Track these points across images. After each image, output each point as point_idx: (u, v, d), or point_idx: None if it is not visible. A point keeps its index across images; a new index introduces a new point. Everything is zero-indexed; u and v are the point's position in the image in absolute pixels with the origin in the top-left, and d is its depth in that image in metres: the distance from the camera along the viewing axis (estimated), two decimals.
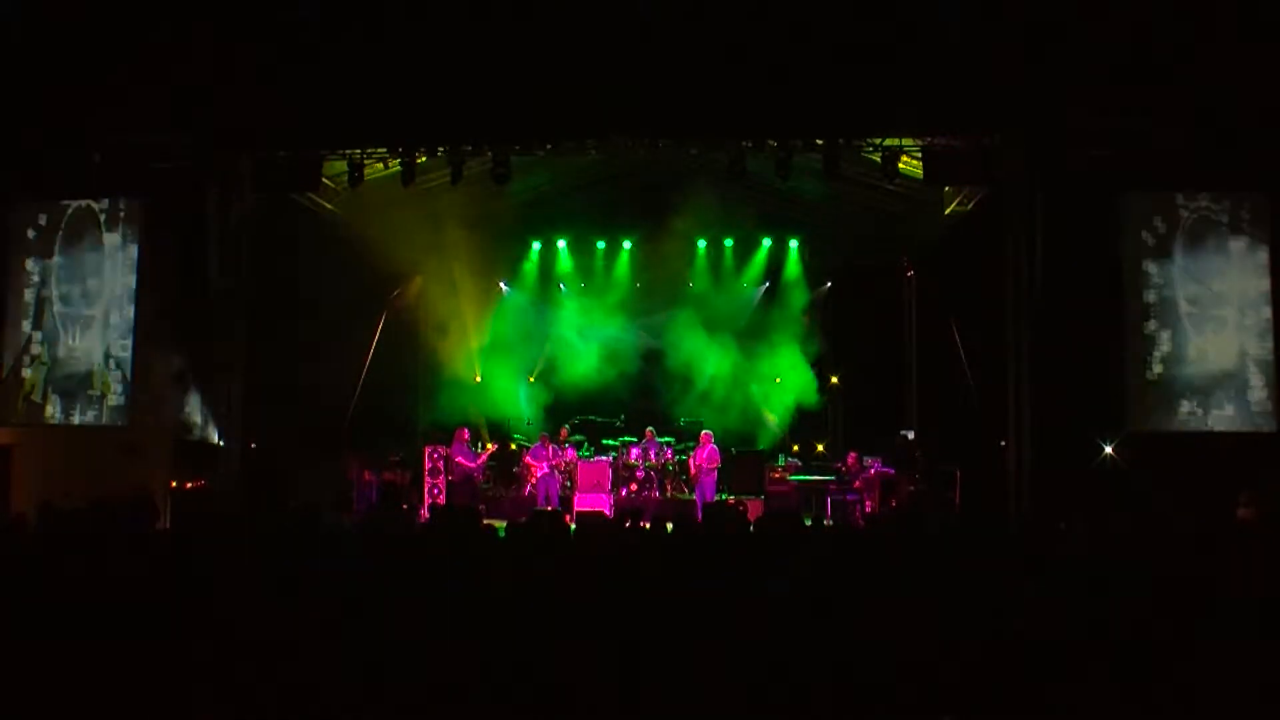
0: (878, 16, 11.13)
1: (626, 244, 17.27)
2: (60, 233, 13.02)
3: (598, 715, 4.02)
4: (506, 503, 14.75)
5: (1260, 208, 11.82)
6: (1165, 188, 11.99)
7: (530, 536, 6.57)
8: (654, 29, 11.23)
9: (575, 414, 16.71)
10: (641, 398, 17.05)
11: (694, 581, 5.05)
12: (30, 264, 13.08)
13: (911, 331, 17.13)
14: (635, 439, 15.91)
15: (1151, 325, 11.82)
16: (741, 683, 4.04)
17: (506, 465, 16.16)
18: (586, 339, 17.00)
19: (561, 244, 17.53)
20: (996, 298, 12.42)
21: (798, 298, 17.11)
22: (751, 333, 16.98)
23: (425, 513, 12.91)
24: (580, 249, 17.60)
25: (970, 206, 13.76)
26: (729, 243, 17.21)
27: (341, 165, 12.95)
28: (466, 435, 14.90)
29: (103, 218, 12.96)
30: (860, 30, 11.14)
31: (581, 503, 14.14)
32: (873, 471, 14.22)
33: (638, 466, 15.52)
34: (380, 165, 13.30)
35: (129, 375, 12.68)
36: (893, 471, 14.08)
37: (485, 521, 8.61)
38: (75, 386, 12.86)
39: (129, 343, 12.70)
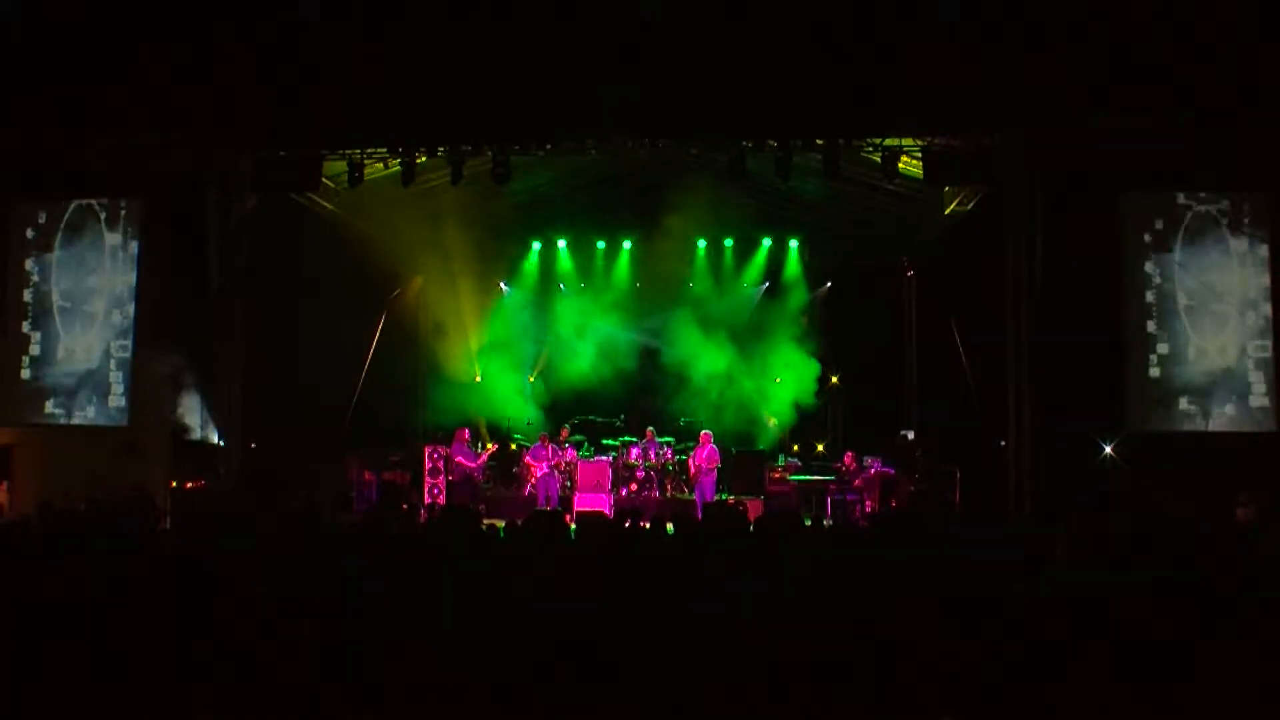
0: (878, 16, 11.12)
1: (626, 244, 17.27)
2: (60, 232, 13.02)
3: (598, 715, 4.02)
4: (506, 503, 14.74)
5: (1260, 207, 11.82)
6: (1165, 187, 11.99)
7: (530, 536, 6.57)
8: (654, 29, 11.22)
9: (575, 414, 16.72)
10: (641, 398, 17.05)
11: (693, 581, 5.05)
12: (30, 264, 13.08)
13: (911, 331, 17.14)
14: (635, 439, 15.91)
15: (1151, 325, 11.82)
16: (741, 683, 4.04)
17: (506, 465, 16.16)
18: (586, 339, 17.00)
19: (561, 244, 17.53)
20: (996, 298, 12.43)
21: (797, 298, 17.11)
22: (751, 333, 16.98)
23: (424, 513, 12.91)
24: (580, 249, 17.60)
25: (970, 206, 13.76)
26: (729, 243, 17.22)
27: (341, 165, 12.95)
28: (467, 435, 14.90)
29: (103, 217, 12.96)
30: (860, 30, 11.14)
31: (581, 503, 14.13)
32: (873, 471, 14.22)
33: (638, 466, 15.51)
34: (380, 165, 13.30)
35: (129, 375, 12.68)
36: (893, 471, 14.09)
37: (486, 521, 8.61)
38: (75, 386, 12.86)
39: (129, 342, 12.71)
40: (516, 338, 17.53)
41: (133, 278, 12.78)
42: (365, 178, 12.99)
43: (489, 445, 15.63)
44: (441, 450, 14.71)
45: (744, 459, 15.47)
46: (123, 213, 12.91)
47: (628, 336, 17.10)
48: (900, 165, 12.37)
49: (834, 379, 17.09)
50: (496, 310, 17.68)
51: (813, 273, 17.29)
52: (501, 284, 17.85)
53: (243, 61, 11.65)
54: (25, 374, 12.99)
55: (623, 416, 16.79)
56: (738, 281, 17.47)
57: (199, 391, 12.83)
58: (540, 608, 4.59)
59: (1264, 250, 11.73)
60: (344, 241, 14.34)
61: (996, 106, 11.43)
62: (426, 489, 14.59)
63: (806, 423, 16.81)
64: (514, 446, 16.21)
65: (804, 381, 16.61)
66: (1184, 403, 11.69)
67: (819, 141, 12.22)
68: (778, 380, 16.72)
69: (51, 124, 12.17)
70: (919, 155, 12.26)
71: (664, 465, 15.61)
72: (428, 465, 14.64)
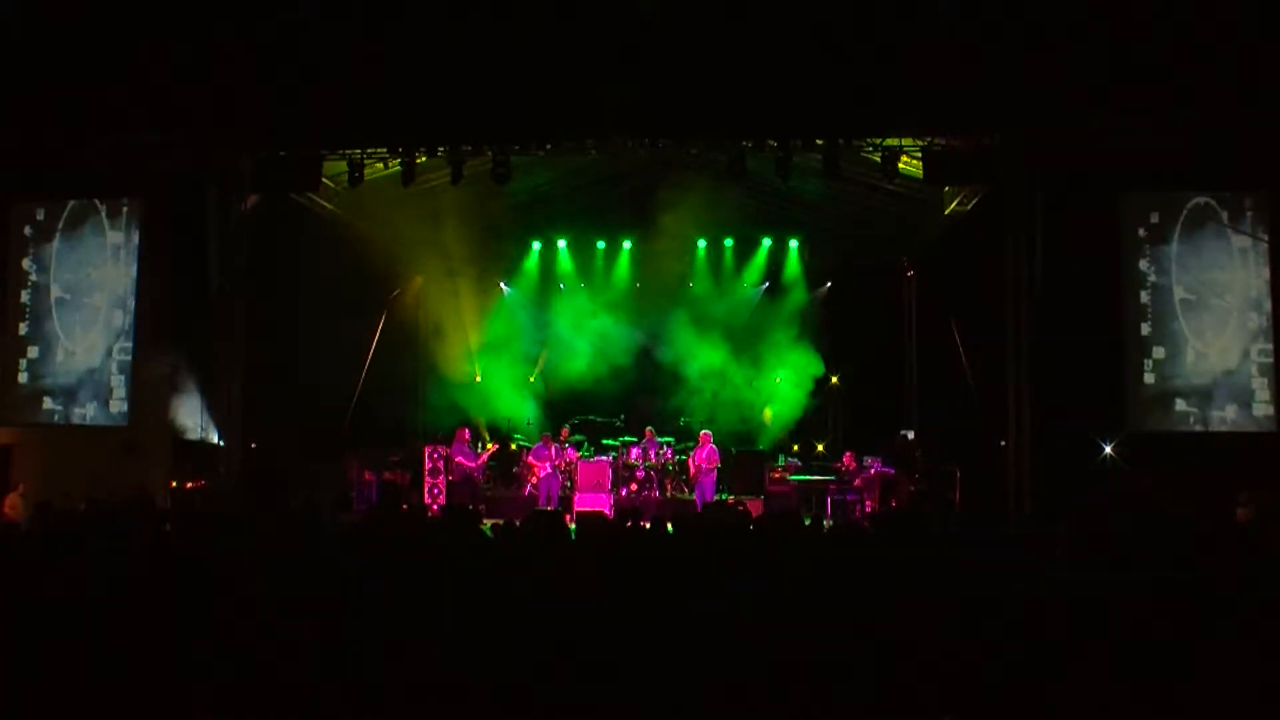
0: (878, 16, 11.12)
1: (626, 244, 17.27)
2: (59, 233, 13.02)
3: (597, 715, 4.02)
4: (506, 503, 14.74)
5: (1260, 206, 11.82)
6: (1164, 187, 11.99)
7: (529, 536, 6.57)
8: (654, 29, 11.22)
9: (575, 414, 16.71)
10: (641, 398, 17.05)
11: (693, 581, 5.05)
12: (29, 264, 13.08)
13: (911, 331, 17.14)
14: (635, 439, 15.91)
15: (1150, 325, 11.82)
16: (741, 682, 4.04)
17: (506, 465, 16.16)
18: (586, 339, 16.99)
19: (561, 244, 17.53)
20: (996, 298, 12.42)
21: (798, 298, 17.11)
22: (751, 333, 16.98)
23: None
24: (580, 249, 17.60)
25: (970, 206, 13.76)
26: (729, 243, 17.22)
27: (341, 165, 12.95)
28: (467, 435, 14.90)
29: (103, 218, 12.96)
30: (860, 30, 11.14)
31: (581, 503, 14.13)
32: (873, 471, 14.22)
33: (638, 466, 15.51)
34: (380, 165, 13.30)
35: (129, 375, 12.68)
36: (893, 471, 14.09)
37: (487, 521, 8.61)
38: (75, 386, 12.86)
39: (129, 342, 12.70)
40: (516, 338, 17.52)
41: (133, 278, 12.78)
42: (365, 178, 12.99)
43: (489, 445, 15.63)
44: (441, 450, 14.71)
45: (744, 459, 15.47)
46: (123, 213, 12.91)
47: (628, 336, 17.09)
48: (900, 165, 12.37)
49: (834, 379, 17.09)
50: (496, 310, 17.67)
51: (813, 273, 17.29)
52: (501, 284, 17.85)
53: (243, 61, 11.65)
54: (24, 374, 12.99)
55: (623, 416, 16.78)
56: (738, 281, 17.47)
57: (199, 391, 12.83)
58: (540, 608, 4.59)
59: (1264, 250, 11.73)
60: (344, 241, 14.34)
61: (996, 106, 11.43)
62: (426, 489, 14.59)
63: (806, 423, 16.81)
64: (514, 446, 16.20)
65: (804, 381, 16.61)
66: (1183, 403, 11.69)
67: (819, 141, 12.23)
68: (778, 380, 16.72)
69: (51, 124, 12.17)
70: (919, 155, 12.26)
71: (664, 465, 15.61)
72: (428, 465, 14.64)
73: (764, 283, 17.44)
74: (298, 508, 8.20)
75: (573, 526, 9.08)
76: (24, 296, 13.04)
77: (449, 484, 14.51)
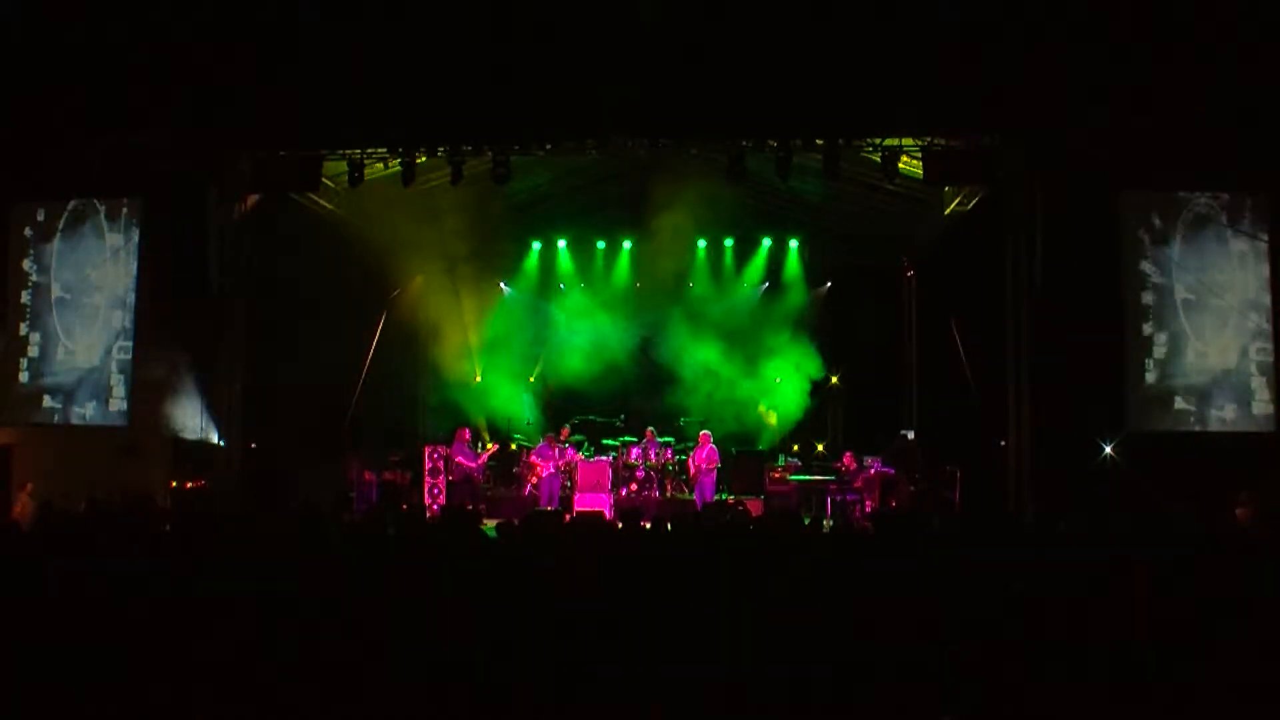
0: (877, 16, 11.12)
1: (626, 244, 17.26)
2: (59, 233, 13.01)
3: (598, 715, 4.02)
4: (506, 503, 14.74)
5: (1260, 207, 11.82)
6: (1165, 187, 11.98)
7: (529, 536, 6.57)
8: (654, 29, 11.22)
9: (575, 414, 16.70)
10: (641, 398, 17.04)
11: (693, 581, 5.05)
12: (29, 265, 13.07)
13: (911, 331, 17.13)
14: (635, 439, 15.91)
15: (1151, 325, 11.82)
16: (741, 682, 4.04)
17: (507, 465, 16.16)
18: (586, 339, 16.98)
19: (561, 244, 17.52)
20: (996, 298, 12.42)
21: (798, 298, 17.10)
22: (751, 333, 16.96)
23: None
24: (580, 249, 17.59)
25: (970, 206, 13.76)
26: (729, 243, 17.21)
27: (341, 165, 12.94)
28: (467, 435, 14.90)
29: (103, 218, 12.95)
30: (860, 30, 11.13)
31: (581, 503, 14.14)
32: (873, 471, 14.22)
33: (638, 466, 15.51)
34: (380, 165, 13.29)
35: (129, 375, 12.67)
36: (893, 471, 14.08)
37: (488, 522, 8.61)
38: (75, 386, 12.85)
39: (129, 342, 12.69)
40: (516, 338, 17.51)
41: (133, 278, 12.76)
42: (365, 178, 12.99)
43: (489, 445, 15.63)
44: (442, 450, 14.72)
45: (744, 459, 15.47)
46: (122, 213, 12.90)
47: (628, 336, 17.09)
48: (900, 165, 12.36)
49: (834, 379, 17.08)
50: (496, 310, 17.66)
51: (813, 273, 17.28)
52: (501, 284, 17.84)
53: (243, 61, 11.65)
54: (24, 374, 12.98)
55: (623, 416, 16.78)
56: (738, 281, 17.46)
57: (199, 391, 12.83)
58: (539, 608, 4.59)
59: (1264, 250, 11.73)
60: (344, 241, 14.33)
61: (996, 106, 11.42)
62: (426, 489, 14.60)
63: (806, 423, 16.81)
64: (514, 446, 16.20)
65: (804, 381, 16.61)
66: (1183, 403, 11.68)
67: (819, 141, 12.22)
68: (778, 380, 16.71)
69: (51, 124, 12.17)
70: (919, 155, 12.26)
71: (664, 465, 15.61)
72: (428, 465, 14.65)
73: (764, 283, 17.43)
74: (298, 508, 8.21)
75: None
76: (24, 297, 13.03)
77: (449, 484, 14.51)
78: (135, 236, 12.82)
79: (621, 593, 4.88)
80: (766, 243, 17.19)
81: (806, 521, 8.63)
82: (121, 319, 12.76)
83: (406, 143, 12.59)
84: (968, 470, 13.40)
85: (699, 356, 16.52)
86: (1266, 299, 11.66)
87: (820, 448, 16.58)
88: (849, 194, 14.85)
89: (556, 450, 14.70)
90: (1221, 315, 11.72)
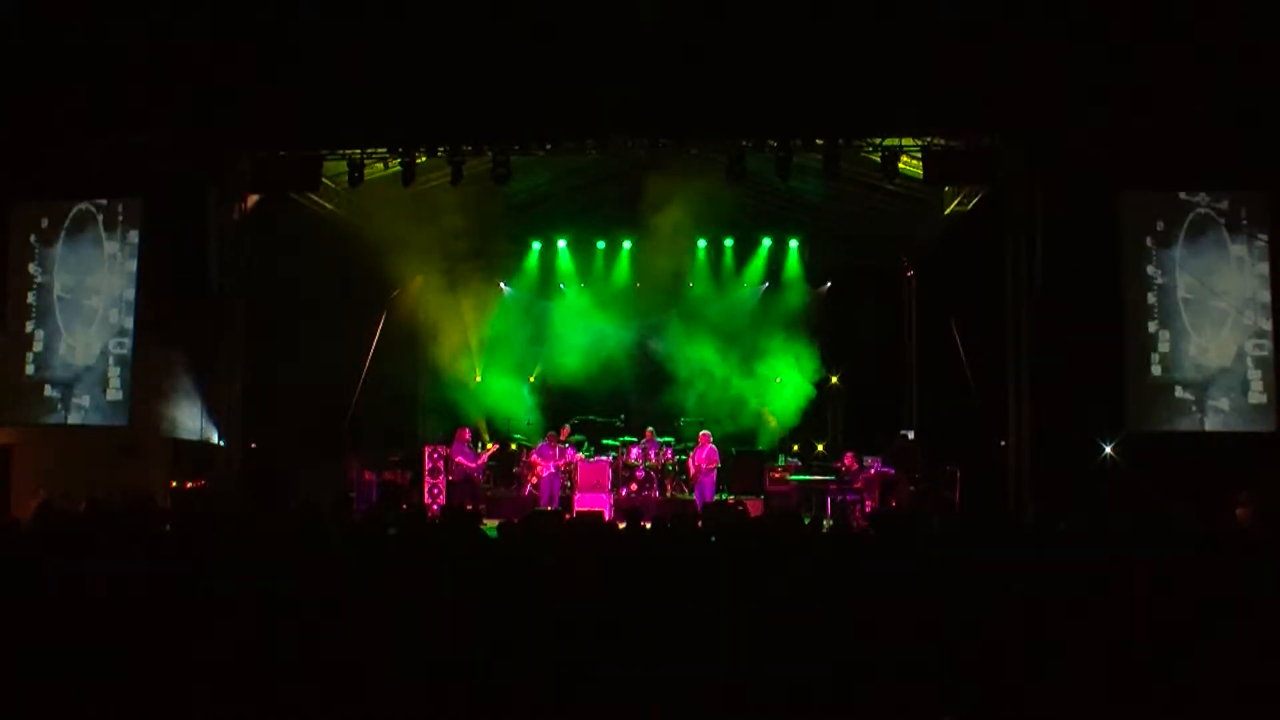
0: (877, 16, 11.12)
1: (626, 244, 17.26)
2: (62, 234, 13.01)
3: (598, 715, 4.02)
4: (506, 503, 14.74)
5: (1260, 207, 11.81)
6: (1165, 187, 11.98)
7: (529, 536, 6.57)
8: (654, 29, 11.21)
9: (575, 414, 16.70)
10: (641, 398, 17.04)
11: (693, 581, 5.05)
12: (33, 267, 13.08)
13: (911, 331, 17.13)
14: (635, 439, 15.91)
15: (1151, 325, 11.81)
16: (741, 682, 4.04)
17: (506, 465, 16.16)
18: (586, 339, 16.98)
19: (561, 244, 17.52)
20: (996, 298, 12.42)
21: (797, 298, 17.10)
22: (751, 333, 16.96)
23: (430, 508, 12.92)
24: (580, 249, 17.59)
25: (970, 206, 13.76)
26: (729, 243, 17.21)
27: (341, 165, 12.95)
28: (468, 435, 14.90)
29: (102, 218, 12.95)
30: (860, 30, 11.13)
31: (581, 503, 14.14)
32: (873, 471, 14.21)
33: (638, 466, 15.51)
34: (380, 165, 13.30)
35: (129, 375, 12.67)
36: (893, 471, 14.08)
37: (488, 522, 8.60)
38: (75, 386, 12.84)
39: (129, 342, 12.69)
40: (516, 338, 17.51)
41: (133, 278, 12.76)
42: (365, 178, 12.99)
43: (489, 445, 15.63)
44: (442, 450, 14.72)
45: (744, 459, 15.46)
46: (122, 214, 12.90)
47: (628, 336, 17.09)
48: (900, 165, 12.37)
49: (834, 379, 17.08)
50: (496, 310, 17.66)
51: (813, 273, 17.28)
52: (501, 284, 17.84)
53: (243, 61, 11.65)
54: (29, 369, 12.98)
55: (623, 416, 16.78)
56: (738, 281, 17.46)
57: (199, 391, 12.83)
58: (539, 608, 4.59)
59: (1264, 250, 11.73)
60: (344, 241, 14.33)
61: (996, 106, 11.42)
62: (426, 489, 14.59)
63: (806, 423, 16.80)
64: (514, 446, 16.20)
65: (804, 382, 16.60)
66: (1184, 403, 11.68)
67: (819, 141, 12.22)
68: (778, 380, 16.71)
69: (51, 124, 12.16)
70: (919, 155, 12.26)
71: (664, 465, 15.61)
72: (428, 465, 14.65)
73: (764, 283, 17.44)
74: (298, 508, 8.21)
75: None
76: (30, 298, 13.05)
77: (449, 484, 14.51)
78: (135, 236, 12.82)
79: (621, 593, 4.88)
80: (766, 243, 17.19)
81: (806, 521, 8.62)
82: (122, 319, 12.76)
83: (406, 143, 12.59)
84: (968, 470, 13.40)
85: (699, 356, 16.52)
86: (1266, 298, 11.66)
87: (820, 448, 16.59)
88: (849, 194, 14.85)
89: (557, 450, 14.71)
90: (1221, 314, 11.72)
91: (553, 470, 14.45)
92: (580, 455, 15.27)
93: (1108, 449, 11.65)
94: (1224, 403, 11.59)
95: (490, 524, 8.83)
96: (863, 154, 12.66)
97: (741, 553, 6.03)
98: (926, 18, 11.13)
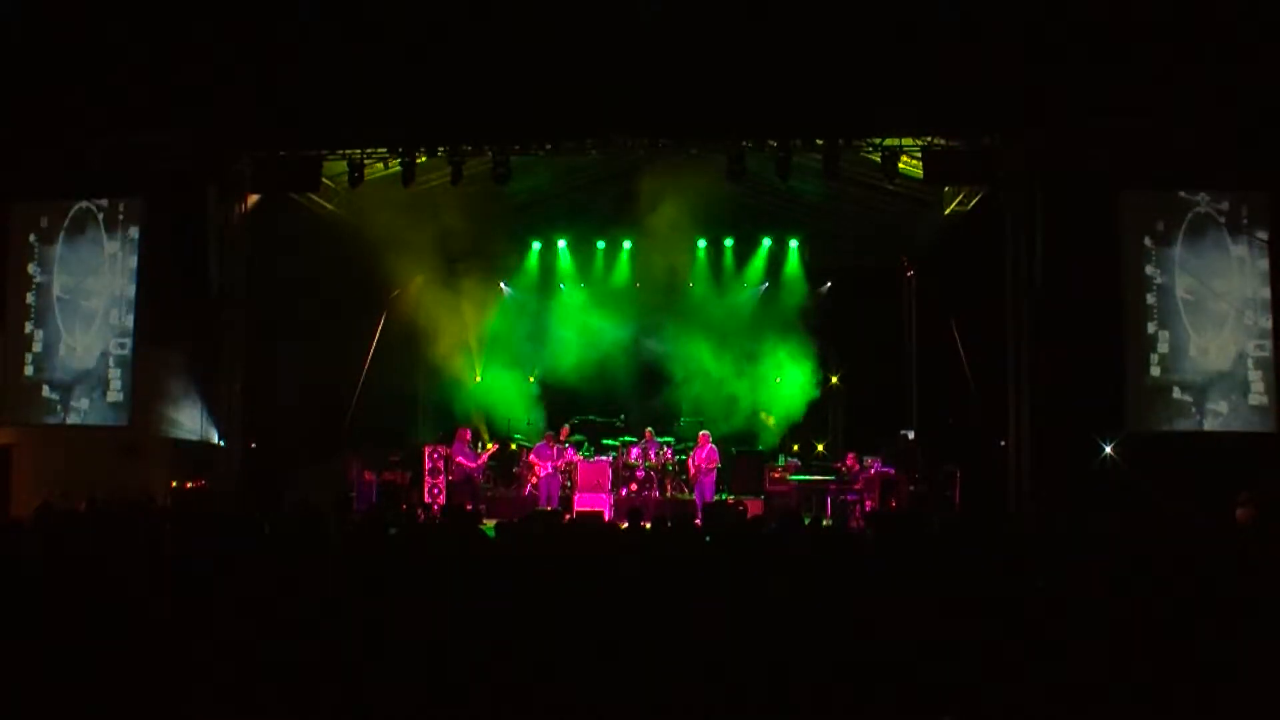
0: (877, 16, 11.12)
1: (626, 244, 17.26)
2: (62, 234, 13.02)
3: (598, 715, 4.02)
4: (506, 503, 14.73)
5: (1260, 207, 11.82)
6: (1165, 187, 11.98)
7: (528, 536, 6.57)
8: (654, 29, 11.22)
9: (575, 414, 16.70)
10: (641, 398, 17.04)
11: (693, 581, 5.05)
12: (32, 267, 13.08)
13: (911, 331, 17.12)
14: (635, 439, 15.90)
15: (1151, 325, 11.82)
16: (741, 682, 4.04)
17: (506, 465, 16.15)
18: (586, 339, 16.98)
19: (561, 244, 17.52)
20: (996, 298, 12.42)
21: (797, 298, 17.10)
22: (751, 333, 16.96)
23: (422, 513, 12.92)
24: (580, 249, 17.59)
25: (970, 206, 13.76)
26: (729, 243, 17.21)
27: (341, 165, 12.95)
28: (468, 435, 14.89)
29: (102, 218, 12.96)
30: (860, 30, 11.14)
31: (581, 503, 14.13)
32: (873, 471, 14.20)
33: (638, 466, 15.50)
34: (380, 165, 13.30)
35: (129, 374, 12.67)
36: (893, 471, 14.07)
37: (488, 521, 8.60)
38: (75, 386, 12.85)
39: (129, 342, 12.69)
40: (516, 338, 17.51)
41: (133, 278, 12.77)
42: (365, 178, 12.99)
43: (489, 445, 15.62)
44: (442, 450, 14.71)
45: (744, 459, 15.46)
46: (122, 214, 12.91)
47: (627, 336, 17.09)
48: (900, 165, 12.37)
49: (834, 379, 17.08)
50: (496, 310, 17.66)
51: (813, 273, 17.28)
52: (501, 284, 17.84)
53: (243, 61, 11.65)
54: (29, 370, 12.99)
55: (623, 416, 16.77)
56: (738, 281, 17.46)
57: (199, 391, 12.83)
58: (539, 608, 4.59)
59: (1264, 250, 11.73)
60: (344, 241, 14.33)
61: (996, 106, 11.43)
62: (426, 489, 14.58)
63: (806, 423, 16.80)
64: (514, 446, 16.20)
65: (804, 382, 16.60)
66: (1183, 403, 11.68)
67: (819, 141, 12.22)
68: (778, 380, 16.71)
69: (51, 124, 12.16)
70: (919, 155, 12.26)
71: (664, 465, 15.60)
72: (428, 465, 14.63)
73: (764, 283, 17.43)
74: (297, 507, 8.21)
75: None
76: (29, 298, 13.05)
77: (449, 484, 14.50)
78: (135, 236, 12.83)
79: (622, 593, 4.88)
80: (766, 243, 17.18)
81: (807, 521, 8.63)
82: (122, 319, 12.77)
83: (406, 143, 12.59)
84: (968, 470, 13.39)
85: (699, 356, 16.52)
86: (1266, 299, 11.66)
87: (820, 448, 16.58)
88: (849, 194, 14.85)
89: (555, 450, 14.70)
90: (1221, 315, 11.72)
91: (550, 470, 14.45)
92: (580, 455, 15.26)
93: (1108, 449, 11.65)
94: (1224, 403, 11.60)
95: (489, 524, 8.83)
96: (863, 154, 12.67)
97: (741, 553, 6.03)
98: (926, 18, 11.13)
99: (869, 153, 12.51)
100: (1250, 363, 11.63)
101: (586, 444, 16.01)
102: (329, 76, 11.78)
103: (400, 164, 12.82)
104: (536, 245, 17.57)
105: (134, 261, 12.77)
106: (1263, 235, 11.72)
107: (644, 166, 14.50)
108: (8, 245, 13.13)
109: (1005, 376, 12.29)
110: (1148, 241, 11.91)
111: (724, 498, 14.39)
